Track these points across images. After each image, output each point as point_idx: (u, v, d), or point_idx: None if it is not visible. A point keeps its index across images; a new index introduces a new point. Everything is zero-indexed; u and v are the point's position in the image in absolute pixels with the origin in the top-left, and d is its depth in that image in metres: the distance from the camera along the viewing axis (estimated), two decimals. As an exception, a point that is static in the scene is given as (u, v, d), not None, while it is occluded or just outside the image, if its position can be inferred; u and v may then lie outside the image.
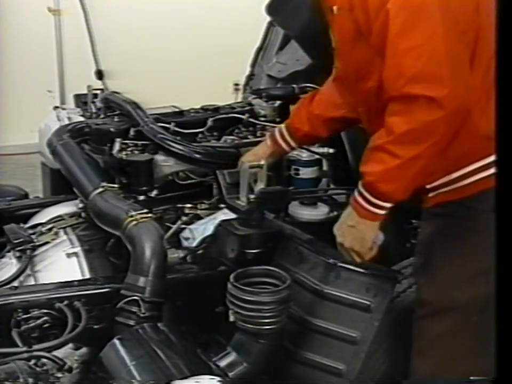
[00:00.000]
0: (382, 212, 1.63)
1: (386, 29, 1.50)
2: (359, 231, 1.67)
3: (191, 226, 2.15)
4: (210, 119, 2.48)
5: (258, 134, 2.46)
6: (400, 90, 1.50)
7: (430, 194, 1.72)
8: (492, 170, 1.56)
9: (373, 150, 1.59)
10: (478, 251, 1.60)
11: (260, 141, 2.33)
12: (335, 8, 1.67)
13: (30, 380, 1.37)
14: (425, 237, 1.77)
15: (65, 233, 2.19)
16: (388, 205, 1.62)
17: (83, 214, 2.24)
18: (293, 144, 2.06)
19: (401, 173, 1.56)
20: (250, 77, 3.41)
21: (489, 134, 1.49)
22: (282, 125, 2.08)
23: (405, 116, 1.51)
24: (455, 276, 1.64)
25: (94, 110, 2.78)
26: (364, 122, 1.82)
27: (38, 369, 1.46)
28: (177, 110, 2.65)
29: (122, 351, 1.55)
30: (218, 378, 1.36)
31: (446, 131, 1.51)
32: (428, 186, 1.71)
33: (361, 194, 1.65)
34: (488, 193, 1.54)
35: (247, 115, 2.51)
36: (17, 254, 2.05)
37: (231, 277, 1.64)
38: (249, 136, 2.43)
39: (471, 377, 1.58)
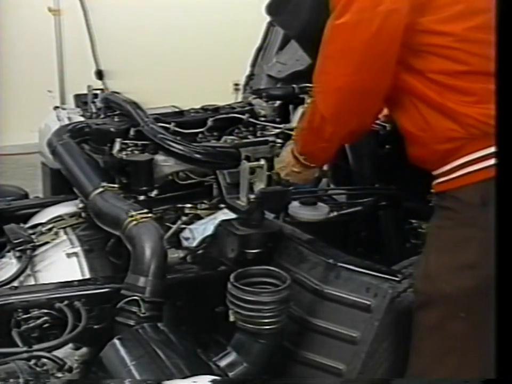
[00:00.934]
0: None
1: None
2: (302, 174, 1.97)
3: (191, 226, 2.16)
4: (210, 119, 2.48)
5: (258, 134, 2.46)
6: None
7: (434, 183, 1.74)
8: (482, 165, 1.59)
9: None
10: (465, 244, 1.61)
11: (260, 141, 2.34)
12: None
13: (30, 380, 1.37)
14: (427, 228, 1.80)
15: (65, 233, 2.19)
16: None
17: (83, 214, 2.24)
18: None
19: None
20: (250, 77, 3.41)
21: (481, 130, 1.56)
22: None
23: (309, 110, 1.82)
24: (442, 267, 1.65)
25: (94, 110, 2.78)
26: None
27: (38, 369, 1.46)
28: (177, 110, 2.65)
29: (122, 351, 1.55)
30: (211, 377, 1.36)
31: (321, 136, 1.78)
32: (434, 173, 1.72)
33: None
34: (478, 187, 1.58)
35: (247, 115, 2.51)
36: (17, 254, 2.05)
37: (231, 277, 1.64)
38: (249, 136, 2.43)
39: (471, 378, 1.58)
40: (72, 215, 2.30)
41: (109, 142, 2.30)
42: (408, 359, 1.72)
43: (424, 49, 1.62)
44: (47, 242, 2.14)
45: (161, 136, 2.25)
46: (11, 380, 1.36)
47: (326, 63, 1.72)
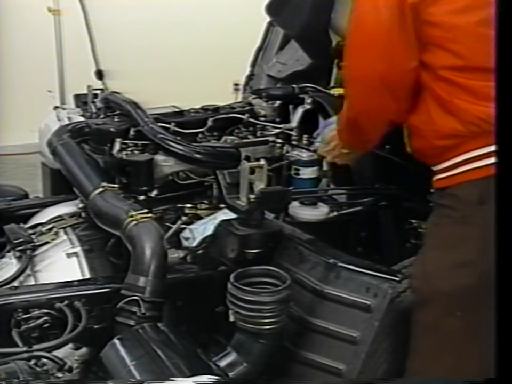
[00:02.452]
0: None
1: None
2: (352, 154, 2.06)
3: (191, 226, 2.15)
4: (210, 119, 2.48)
5: (258, 134, 2.46)
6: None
7: (433, 179, 1.73)
8: (481, 163, 1.59)
9: None
10: (462, 242, 1.61)
11: (260, 141, 2.34)
12: None
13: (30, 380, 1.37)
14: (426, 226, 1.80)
15: (65, 233, 2.19)
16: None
17: (83, 214, 2.24)
18: None
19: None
20: (250, 77, 3.41)
21: (482, 128, 1.56)
22: None
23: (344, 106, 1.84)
24: (439, 265, 1.65)
25: (94, 110, 2.78)
26: None
27: (38, 369, 1.46)
28: (177, 110, 2.65)
29: (122, 351, 1.55)
30: (211, 377, 1.36)
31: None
32: (434, 168, 1.72)
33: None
34: (476, 185, 1.58)
35: (247, 115, 2.51)
36: (17, 254, 2.05)
37: (231, 277, 1.64)
38: (249, 136, 2.43)
39: (472, 378, 1.58)
40: (72, 215, 2.29)
41: (109, 142, 2.30)
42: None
43: (432, 41, 1.60)
44: (47, 242, 2.14)
45: (161, 136, 2.25)
46: (11, 380, 1.36)
47: (350, 55, 1.71)
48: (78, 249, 2.09)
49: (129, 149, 2.27)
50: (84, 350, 1.74)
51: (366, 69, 1.66)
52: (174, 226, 2.15)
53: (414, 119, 1.71)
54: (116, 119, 2.44)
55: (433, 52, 1.61)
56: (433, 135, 1.66)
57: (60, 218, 2.28)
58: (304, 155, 2.35)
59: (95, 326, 1.75)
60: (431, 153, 1.69)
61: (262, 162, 1.96)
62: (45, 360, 1.51)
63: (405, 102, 1.69)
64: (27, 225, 2.28)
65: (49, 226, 2.22)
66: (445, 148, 1.65)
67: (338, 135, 1.98)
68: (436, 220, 1.70)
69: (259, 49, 3.39)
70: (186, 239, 2.13)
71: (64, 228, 2.22)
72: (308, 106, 2.54)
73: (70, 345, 1.71)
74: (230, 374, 1.62)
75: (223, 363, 1.64)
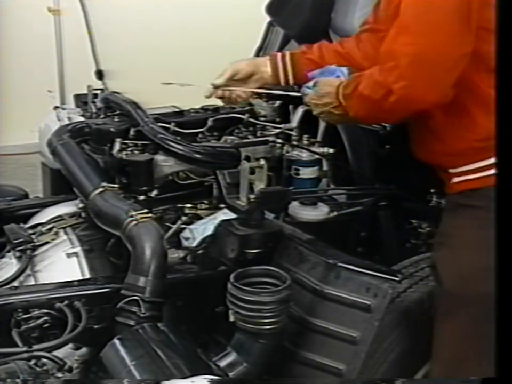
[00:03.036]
0: None
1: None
2: (340, 118, 1.92)
3: (191, 226, 2.15)
4: (210, 119, 2.48)
5: (258, 134, 2.46)
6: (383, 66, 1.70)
7: (455, 180, 1.71)
8: None
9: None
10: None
11: (260, 141, 2.33)
12: None
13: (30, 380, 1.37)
14: (449, 228, 1.76)
15: (65, 233, 2.19)
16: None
17: (83, 214, 2.24)
18: (290, 75, 2.07)
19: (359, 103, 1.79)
20: (251, 77, 3.40)
21: None
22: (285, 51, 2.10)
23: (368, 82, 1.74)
24: (476, 268, 1.62)
25: (94, 110, 2.78)
26: None
27: (38, 369, 1.46)
28: (177, 110, 2.65)
29: (122, 351, 1.55)
30: (211, 377, 1.36)
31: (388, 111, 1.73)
32: (451, 171, 1.70)
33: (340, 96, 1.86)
34: None
35: (247, 115, 2.51)
36: (17, 254, 2.05)
37: (231, 277, 1.64)
38: (249, 136, 2.43)
39: (471, 378, 1.58)
40: (72, 215, 2.29)
41: (109, 142, 2.30)
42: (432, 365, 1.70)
43: (490, 26, 1.52)
44: (47, 242, 2.14)
45: (161, 136, 2.25)
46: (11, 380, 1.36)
47: (395, 33, 1.68)
48: (78, 249, 2.09)
49: (129, 149, 2.27)
50: (83, 350, 1.74)
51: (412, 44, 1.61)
52: (174, 226, 2.15)
53: (449, 120, 1.68)
54: (116, 119, 2.44)
55: (487, 40, 1.55)
56: (474, 136, 1.62)
57: (60, 218, 2.28)
58: (304, 155, 2.35)
59: (95, 326, 1.75)
60: (464, 154, 1.65)
61: (262, 162, 1.96)
62: (45, 360, 1.51)
63: (451, 91, 1.64)
64: (27, 225, 2.28)
65: (49, 226, 2.22)
66: (482, 149, 1.61)
67: (349, 98, 1.81)
68: (466, 222, 1.66)
69: (259, 49, 3.38)
70: (186, 239, 2.13)
71: (64, 227, 2.22)
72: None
73: (70, 345, 1.71)
74: (230, 374, 1.62)
75: (223, 363, 1.64)
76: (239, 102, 2.21)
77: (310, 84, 2.01)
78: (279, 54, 2.13)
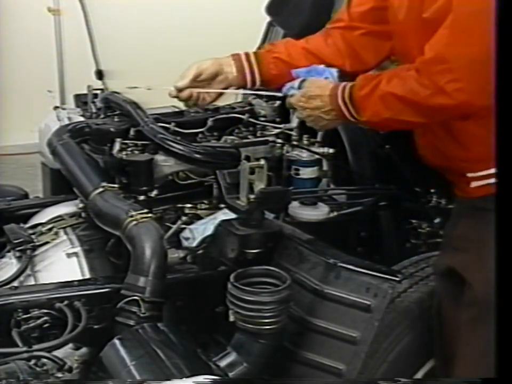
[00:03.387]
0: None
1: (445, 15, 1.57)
2: (328, 123, 1.84)
3: (191, 226, 2.15)
4: (210, 119, 2.48)
5: (258, 134, 2.46)
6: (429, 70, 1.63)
7: (474, 185, 1.70)
8: None
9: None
10: None
11: (260, 141, 2.33)
12: None
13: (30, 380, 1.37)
14: (470, 232, 1.73)
15: (65, 233, 2.19)
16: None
17: (83, 214, 2.24)
18: (256, 75, 1.99)
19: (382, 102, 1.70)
20: (251, 76, 3.40)
21: None
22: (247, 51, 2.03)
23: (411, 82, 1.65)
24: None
25: (94, 110, 2.78)
26: None
27: (38, 369, 1.46)
28: (177, 110, 2.65)
29: (122, 351, 1.55)
30: (211, 377, 1.36)
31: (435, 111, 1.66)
32: (470, 175, 1.69)
33: (343, 100, 1.77)
34: None
35: (247, 115, 2.51)
36: (17, 254, 2.05)
37: (231, 277, 1.64)
38: (249, 136, 2.43)
39: (472, 378, 1.58)
40: (72, 215, 2.29)
41: (109, 142, 2.30)
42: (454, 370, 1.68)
43: None
44: (47, 242, 2.14)
45: (161, 136, 2.25)
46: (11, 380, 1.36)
47: (448, 35, 1.61)
48: (78, 249, 2.09)
49: (129, 149, 2.27)
50: (84, 350, 1.74)
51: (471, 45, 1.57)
52: (174, 226, 2.15)
53: (473, 126, 1.65)
54: (116, 119, 2.44)
55: None
56: None
57: (60, 218, 2.28)
58: (304, 155, 2.35)
59: (95, 326, 1.75)
60: (486, 159, 1.61)
61: (262, 162, 1.96)
62: (45, 360, 1.51)
63: None
64: (27, 225, 2.28)
65: (49, 226, 2.22)
66: None
67: (365, 99, 1.72)
68: (492, 227, 1.62)
69: (259, 49, 3.39)
70: (186, 239, 2.13)
71: (64, 227, 2.22)
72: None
73: (70, 345, 1.71)
74: (230, 374, 1.62)
75: (223, 363, 1.64)
76: (205, 104, 2.14)
77: (295, 83, 1.90)
78: (242, 54, 2.06)
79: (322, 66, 1.91)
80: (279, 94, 1.97)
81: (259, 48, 3.32)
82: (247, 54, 2.05)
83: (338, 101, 1.76)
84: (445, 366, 1.86)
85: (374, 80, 1.73)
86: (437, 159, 1.85)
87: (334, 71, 1.88)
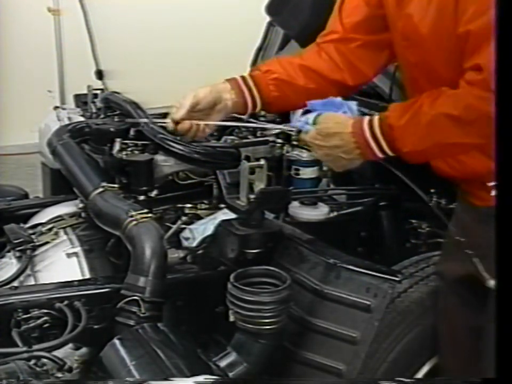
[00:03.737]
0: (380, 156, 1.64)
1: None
2: (344, 159, 1.69)
3: (191, 226, 2.15)
4: (211, 119, 2.47)
5: (258, 134, 2.46)
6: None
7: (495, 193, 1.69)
8: None
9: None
10: None
11: (260, 141, 2.33)
12: None
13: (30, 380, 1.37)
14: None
15: (65, 233, 2.19)
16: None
17: (83, 214, 2.24)
18: (257, 100, 1.88)
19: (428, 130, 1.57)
20: (251, 77, 3.40)
21: None
22: (243, 74, 1.91)
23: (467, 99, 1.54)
24: None
25: (94, 110, 2.78)
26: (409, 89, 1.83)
27: (38, 369, 1.46)
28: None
29: (122, 351, 1.55)
30: (211, 377, 1.36)
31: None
32: (491, 184, 1.67)
33: (374, 135, 1.62)
34: None
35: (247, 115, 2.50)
36: (17, 254, 2.05)
37: (231, 277, 1.64)
38: (249, 136, 2.43)
39: (472, 378, 1.58)
40: (72, 215, 2.29)
41: (109, 142, 2.30)
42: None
43: None
44: (47, 242, 2.14)
45: (161, 136, 2.25)
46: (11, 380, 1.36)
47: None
48: (78, 249, 2.09)
49: (129, 149, 2.27)
50: (84, 350, 1.74)
51: None
52: (174, 226, 2.15)
53: None
54: (116, 119, 2.44)
55: None
56: None
57: (60, 218, 2.28)
58: (304, 155, 2.35)
59: (95, 326, 1.75)
60: None
61: (262, 162, 1.96)
62: (45, 360, 1.51)
63: None
64: (27, 225, 2.28)
65: (49, 226, 2.22)
66: None
67: (406, 128, 1.59)
68: None
69: (259, 49, 3.38)
70: (186, 239, 2.13)
71: (64, 227, 2.22)
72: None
73: (70, 345, 1.71)
74: (230, 374, 1.62)
75: (223, 363, 1.64)
76: (205, 136, 2.00)
77: (309, 118, 1.73)
78: (239, 79, 1.94)
79: (339, 99, 1.74)
80: (292, 128, 1.81)
81: (259, 48, 3.33)
82: (243, 78, 1.96)
83: (366, 137, 1.63)
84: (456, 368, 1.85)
85: (414, 106, 1.61)
86: (456, 171, 1.77)
87: (353, 105, 1.72)
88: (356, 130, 1.64)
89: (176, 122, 1.87)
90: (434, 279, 1.97)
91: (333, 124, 1.68)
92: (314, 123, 1.70)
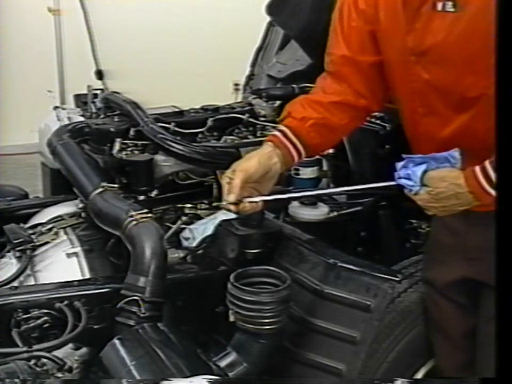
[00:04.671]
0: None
1: None
2: (459, 209, 1.61)
3: (191, 226, 2.15)
4: (210, 119, 2.48)
5: (258, 134, 2.46)
6: None
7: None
8: None
9: None
10: None
11: (260, 141, 2.33)
12: (442, 4, 1.58)
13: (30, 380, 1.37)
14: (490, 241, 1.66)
15: (65, 233, 2.19)
16: None
17: (83, 214, 2.24)
18: (300, 149, 1.80)
19: None
20: (250, 77, 3.41)
21: None
22: (281, 127, 1.84)
23: None
24: None
25: (94, 110, 2.78)
26: (408, 122, 1.79)
27: (38, 369, 1.46)
28: (177, 110, 2.65)
29: (122, 351, 1.55)
30: (211, 377, 1.36)
31: None
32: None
33: (491, 182, 1.54)
34: None
35: (247, 115, 2.51)
36: (17, 254, 2.05)
37: (231, 277, 1.64)
38: (249, 136, 2.43)
39: (472, 378, 1.58)
40: (72, 215, 2.29)
41: (109, 142, 2.30)
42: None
43: None
44: (47, 242, 2.14)
45: (161, 136, 2.25)
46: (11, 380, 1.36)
47: None
48: (78, 249, 2.09)
49: (129, 149, 2.27)
50: (84, 350, 1.74)
51: None
52: (174, 226, 2.15)
53: None
54: (116, 119, 2.44)
55: None
56: None
57: (60, 218, 2.28)
58: (304, 155, 2.35)
59: (95, 326, 1.75)
60: None
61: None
62: (45, 360, 1.51)
63: None
64: (27, 225, 2.28)
65: (49, 226, 2.22)
66: None
67: None
68: None
69: (259, 49, 3.39)
70: (186, 239, 2.13)
71: (64, 227, 2.22)
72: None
73: (70, 345, 1.71)
74: (230, 374, 1.62)
75: (223, 363, 1.64)
76: (261, 207, 1.84)
77: (413, 174, 1.64)
78: (280, 135, 1.82)
79: (441, 154, 1.63)
80: (392, 183, 1.71)
81: (259, 48, 3.33)
82: (284, 133, 1.83)
83: (485, 188, 1.55)
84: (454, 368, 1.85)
85: None
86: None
87: (456, 154, 1.61)
88: (473, 187, 1.58)
89: (234, 204, 1.76)
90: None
91: (444, 187, 1.61)
92: (422, 183, 1.63)
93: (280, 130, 1.83)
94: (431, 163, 1.61)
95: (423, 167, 1.61)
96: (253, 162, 1.77)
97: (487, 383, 1.41)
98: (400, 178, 1.66)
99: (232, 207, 1.75)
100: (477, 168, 1.56)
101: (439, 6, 1.60)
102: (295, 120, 1.84)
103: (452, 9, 1.58)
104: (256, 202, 1.76)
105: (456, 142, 1.64)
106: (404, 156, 1.67)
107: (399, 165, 1.66)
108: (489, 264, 1.63)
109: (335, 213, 2.22)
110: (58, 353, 1.59)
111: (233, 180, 1.73)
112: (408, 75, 1.72)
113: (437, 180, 1.61)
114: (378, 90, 1.86)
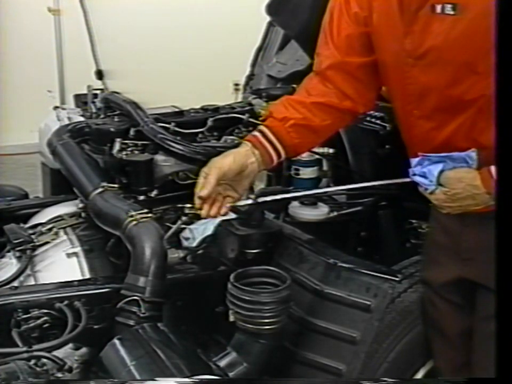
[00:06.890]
0: None
1: None
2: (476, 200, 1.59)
3: (191, 226, 2.15)
4: (210, 119, 2.48)
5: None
6: None
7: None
8: None
9: None
10: None
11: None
12: (442, 7, 1.57)
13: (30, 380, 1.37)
14: (486, 241, 1.64)
15: (65, 233, 2.19)
16: None
17: (83, 214, 2.24)
18: (280, 149, 1.79)
19: None
20: (250, 77, 3.41)
21: None
22: (261, 127, 1.83)
23: None
24: None
25: (94, 110, 2.78)
26: (403, 124, 1.78)
27: (38, 369, 1.46)
28: (177, 110, 2.65)
29: (122, 351, 1.55)
30: (211, 377, 1.36)
31: None
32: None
33: None
34: None
35: (247, 115, 2.51)
36: (17, 254, 2.05)
37: (231, 277, 1.64)
38: (249, 136, 2.43)
39: (472, 378, 1.58)
40: (72, 215, 2.29)
41: (109, 142, 2.30)
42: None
43: None
44: (47, 242, 2.14)
45: (161, 136, 2.25)
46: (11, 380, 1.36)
47: None
48: (78, 249, 2.09)
49: (129, 149, 2.27)
50: (83, 350, 1.74)
51: None
52: (174, 226, 2.15)
53: None
54: (116, 119, 2.44)
55: None
56: None
57: (60, 218, 2.28)
58: (304, 155, 2.35)
59: (95, 326, 1.75)
60: None
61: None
62: (45, 360, 1.51)
63: None
64: (27, 225, 2.28)
65: (49, 226, 2.22)
66: None
67: None
68: None
69: (259, 49, 3.39)
70: (186, 239, 2.13)
71: (64, 227, 2.22)
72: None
73: (70, 345, 1.71)
74: (230, 374, 1.62)
75: (223, 363, 1.64)
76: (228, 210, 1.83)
77: (429, 173, 1.61)
78: (258, 135, 1.81)
79: (458, 154, 1.60)
80: (406, 180, 1.70)
81: (259, 48, 3.33)
82: (263, 133, 1.82)
83: None
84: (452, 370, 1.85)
85: None
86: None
87: (474, 155, 1.59)
88: (490, 188, 1.56)
89: (204, 200, 1.76)
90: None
91: (461, 188, 1.61)
92: (439, 183, 1.61)
93: (260, 131, 1.83)
94: (448, 163, 1.59)
95: (439, 166, 1.59)
96: (228, 160, 1.77)
97: (487, 383, 1.41)
98: (415, 175, 1.63)
99: (201, 203, 1.74)
100: (493, 168, 1.55)
101: (438, 8, 1.59)
102: (276, 120, 1.83)
103: (452, 12, 1.57)
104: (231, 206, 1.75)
105: (450, 144, 1.64)
106: (420, 154, 1.64)
107: (414, 161, 1.63)
108: (484, 265, 1.64)
109: (335, 213, 2.22)
110: (58, 353, 1.59)
111: (208, 176, 1.73)
112: (404, 77, 1.71)
113: (454, 180, 1.60)
114: (365, 92, 1.84)
